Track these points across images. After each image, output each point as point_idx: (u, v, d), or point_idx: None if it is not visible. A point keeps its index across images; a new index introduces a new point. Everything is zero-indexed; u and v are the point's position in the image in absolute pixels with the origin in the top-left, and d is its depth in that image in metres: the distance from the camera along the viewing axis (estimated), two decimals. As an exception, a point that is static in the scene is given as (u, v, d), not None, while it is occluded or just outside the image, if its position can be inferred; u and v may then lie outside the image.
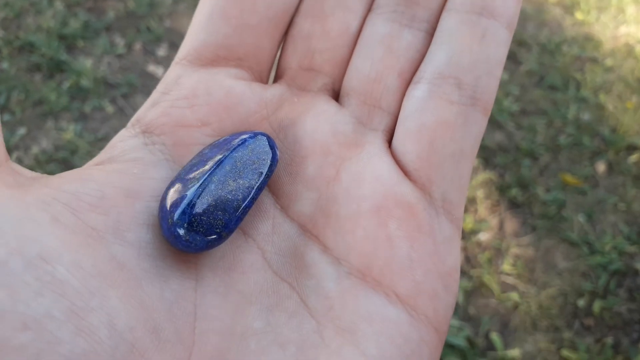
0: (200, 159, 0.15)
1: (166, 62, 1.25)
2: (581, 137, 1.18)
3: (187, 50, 0.18)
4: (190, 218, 0.14)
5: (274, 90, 0.18)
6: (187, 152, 0.16)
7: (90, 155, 1.06)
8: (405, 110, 0.17)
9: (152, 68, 1.24)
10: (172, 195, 0.14)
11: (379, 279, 0.15)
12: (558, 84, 1.29)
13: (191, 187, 0.14)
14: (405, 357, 0.14)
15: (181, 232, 0.14)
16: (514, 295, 0.94)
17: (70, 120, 1.12)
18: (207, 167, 0.15)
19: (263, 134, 0.16)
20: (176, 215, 0.14)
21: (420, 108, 0.17)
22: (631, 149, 1.17)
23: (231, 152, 0.15)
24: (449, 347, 0.86)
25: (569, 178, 1.11)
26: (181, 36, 1.31)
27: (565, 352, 0.88)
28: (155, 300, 0.14)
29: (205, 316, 0.14)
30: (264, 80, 0.19)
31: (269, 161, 0.16)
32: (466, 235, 1.01)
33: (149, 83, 1.21)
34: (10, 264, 0.12)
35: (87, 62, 1.21)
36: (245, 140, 0.16)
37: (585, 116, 1.23)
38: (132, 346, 0.13)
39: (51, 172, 1.01)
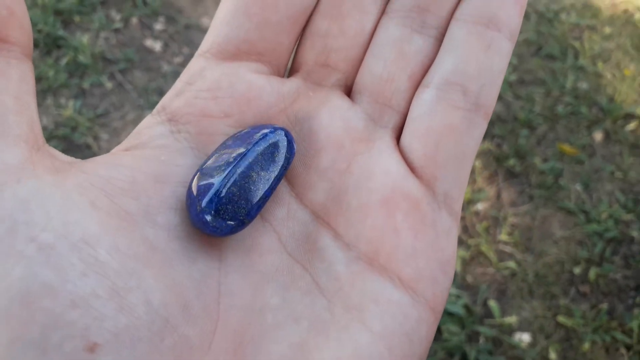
0: (224, 150, 0.17)
1: (163, 37, 1.24)
2: (579, 107, 1.18)
3: (210, 44, 0.19)
4: (217, 206, 0.16)
5: (291, 84, 0.19)
6: (210, 142, 0.17)
7: (90, 131, 1.06)
8: (414, 112, 0.18)
9: (150, 42, 1.23)
10: (199, 184, 0.16)
11: (385, 265, 0.16)
12: (556, 53, 1.29)
13: (217, 176, 0.16)
14: (405, 333, 0.16)
15: (208, 218, 0.15)
16: (511, 264, 0.95)
17: (69, 96, 1.12)
18: (231, 158, 0.16)
19: (282, 129, 0.17)
20: (204, 202, 0.15)
21: (429, 111, 0.18)
22: (628, 117, 1.18)
23: (253, 145, 0.17)
24: (447, 314, 0.89)
25: (567, 147, 1.12)
26: (177, 10, 1.30)
27: (561, 318, 0.90)
28: (185, 278, 0.15)
29: (228, 293, 0.16)
30: (280, 74, 0.20)
31: (287, 154, 0.17)
32: (464, 205, 1.02)
33: (147, 58, 1.20)
34: (57, 247, 0.13)
35: (84, 38, 1.21)
36: (266, 135, 0.17)
37: (583, 85, 1.23)
38: (166, 321, 0.14)
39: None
